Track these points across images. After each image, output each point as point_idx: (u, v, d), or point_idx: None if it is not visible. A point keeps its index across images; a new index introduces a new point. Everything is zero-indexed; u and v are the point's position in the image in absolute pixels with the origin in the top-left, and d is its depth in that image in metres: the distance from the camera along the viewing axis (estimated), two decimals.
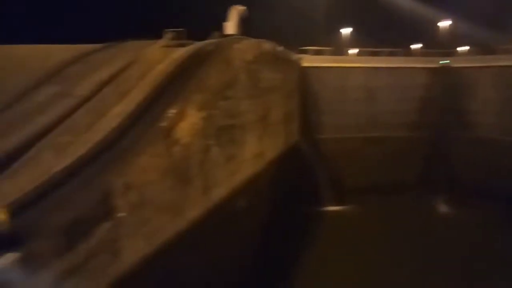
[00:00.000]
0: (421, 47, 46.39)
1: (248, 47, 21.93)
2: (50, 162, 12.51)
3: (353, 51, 44.88)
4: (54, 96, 16.48)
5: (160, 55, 18.96)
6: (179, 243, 13.24)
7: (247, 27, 28.69)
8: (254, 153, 21.71)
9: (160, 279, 11.91)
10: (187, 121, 14.51)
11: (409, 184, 34.93)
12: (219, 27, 27.20)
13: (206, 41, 22.44)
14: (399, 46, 40.01)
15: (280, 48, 29.23)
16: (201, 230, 14.51)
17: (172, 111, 14.12)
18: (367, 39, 40.70)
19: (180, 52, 19.62)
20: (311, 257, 23.10)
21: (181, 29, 21.60)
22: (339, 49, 41.24)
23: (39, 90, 17.02)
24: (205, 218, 14.98)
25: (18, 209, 9.86)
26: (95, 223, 10.28)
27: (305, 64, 35.02)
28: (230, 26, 27.81)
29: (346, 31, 45.57)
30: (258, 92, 22.68)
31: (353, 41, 44.15)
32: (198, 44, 21.40)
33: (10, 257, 8.03)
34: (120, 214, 11.15)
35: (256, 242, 20.55)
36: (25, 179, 11.83)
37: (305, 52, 36.60)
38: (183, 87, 15.77)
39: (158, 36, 21.88)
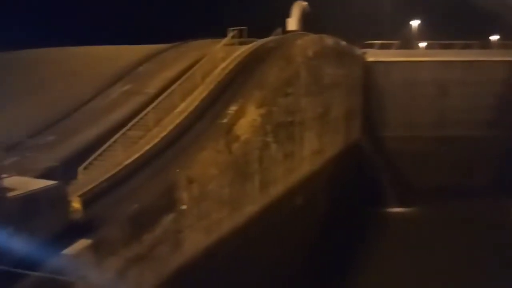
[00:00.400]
0: (498, 39, 42.47)
1: (310, 43, 21.72)
2: (121, 155, 13.49)
3: (422, 44, 42.39)
4: (126, 93, 17.68)
5: (223, 54, 19.48)
6: (237, 237, 13.63)
7: (310, 22, 28.35)
8: (313, 150, 21.53)
9: (217, 271, 12.35)
10: (247, 118, 14.81)
11: (481, 187, 32.21)
12: (282, 23, 27.21)
13: (268, 38, 22.59)
14: (474, 38, 36.98)
15: (343, 43, 28.53)
16: (258, 226, 14.79)
17: (232, 108, 14.50)
18: (438, 31, 38.15)
19: (241, 50, 20.00)
20: (368, 260, 22.32)
21: (243, 27, 21.97)
22: (407, 42, 39.12)
23: (113, 88, 18.36)
24: (262, 214, 15.24)
25: (91, 198, 10.73)
26: (159, 214, 10.95)
27: (370, 58, 33.78)
28: (293, 22, 27.68)
29: (414, 23, 43.14)
30: (319, 88, 22.40)
31: (422, 34, 41.67)
32: (259, 42, 21.63)
33: (82, 243, 8.84)
34: (182, 207, 11.75)
35: (312, 240, 20.42)
36: (99, 170, 12.88)
37: (370, 46, 35.27)
38: (243, 84, 16.10)
39: (224, 34, 22.48)
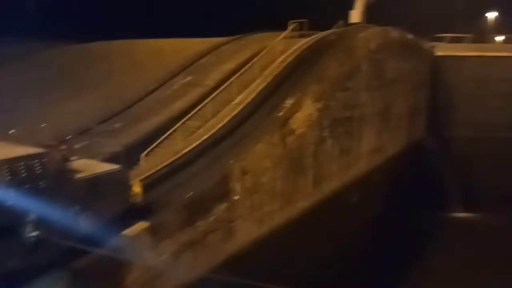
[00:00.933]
0: None
1: (373, 36, 20.90)
2: (180, 144, 14.03)
3: (499, 38, 38.90)
4: (187, 85, 18.30)
5: (283, 47, 19.39)
6: (288, 230, 13.59)
7: (374, 14, 27.24)
8: (372, 147, 20.79)
9: (266, 263, 12.43)
10: (303, 112, 14.65)
11: None
12: (345, 16, 26.45)
13: (328, 31, 22.10)
14: None
15: (410, 36, 27.09)
16: (309, 221, 14.63)
17: (289, 101, 14.42)
18: None
19: (300, 43, 19.76)
20: (425, 266, 21.09)
21: (303, 20, 21.68)
22: (482, 36, 36.14)
23: (175, 79, 19.09)
24: (314, 210, 15.05)
25: (151, 184, 11.27)
26: (213, 203, 11.24)
27: (439, 53, 31.75)
28: (356, 14, 26.77)
29: (491, 15, 39.66)
30: (381, 83, 21.52)
31: (499, 27, 38.22)
32: (320, 35, 21.22)
33: (140, 226, 9.33)
34: (235, 197, 11.96)
35: (366, 241, 19.80)
36: (159, 157, 13.50)
37: (440, 39, 33.13)
38: (301, 78, 15.93)
39: (284, 27, 22.38)
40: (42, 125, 11.12)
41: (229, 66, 18.99)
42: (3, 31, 25.87)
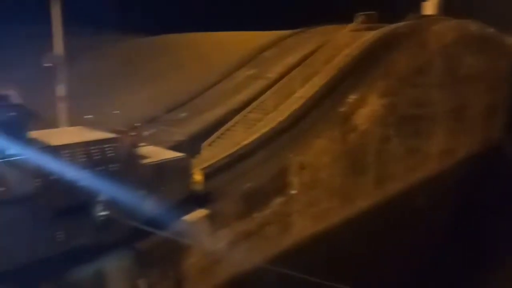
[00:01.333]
0: None
1: (448, 29, 19.46)
2: (240, 136, 14.22)
3: None
4: (249, 78, 18.45)
5: (348, 40, 18.77)
6: (346, 230, 13.22)
7: (451, 6, 25.35)
8: (442, 148, 19.45)
9: (322, 259, 12.21)
10: (367, 108, 14.10)
11: None
12: (417, 7, 24.92)
13: (398, 24, 20.93)
14: None
15: (490, 30, 24.81)
16: (370, 221, 14.08)
17: (352, 97, 13.95)
18: None
19: (367, 37, 18.96)
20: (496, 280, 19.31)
21: (372, 12, 20.76)
22: None
23: (238, 72, 19.34)
24: (375, 210, 14.45)
25: (211, 173, 11.54)
26: (270, 196, 11.27)
27: None
28: (430, 6, 25.06)
29: None
30: (455, 79, 19.99)
31: None
32: (388, 27, 20.17)
33: (200, 213, 9.62)
34: (292, 191, 11.88)
35: (432, 248, 18.62)
36: (220, 147, 13.81)
37: None
38: (367, 72, 15.29)
39: (351, 20, 21.64)
40: (114, 112, 11.84)
41: (291, 59, 18.80)
42: (80, 22, 27.76)
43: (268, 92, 16.22)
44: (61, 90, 11.59)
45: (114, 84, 21.80)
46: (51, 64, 10.98)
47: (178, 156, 10.03)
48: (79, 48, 26.47)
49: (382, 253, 14.90)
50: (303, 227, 11.96)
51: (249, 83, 18.09)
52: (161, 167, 9.41)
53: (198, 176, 10.58)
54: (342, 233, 12.92)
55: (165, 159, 9.70)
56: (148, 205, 8.85)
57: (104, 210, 7.85)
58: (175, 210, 9.34)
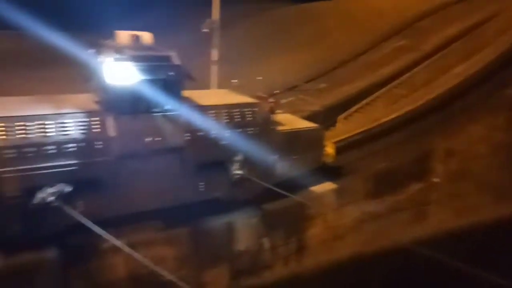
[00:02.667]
0: None
1: None
2: (380, 112, 13.30)
3: None
4: (399, 49, 16.93)
5: None
6: (497, 229, 11.43)
7: None
8: None
9: (461, 259, 10.89)
10: None
11: None
12: None
13: None
14: None
15: None
16: None
17: None
18: None
19: None
20: None
21: None
22: None
23: (387, 42, 17.91)
24: None
25: (344, 147, 11.10)
26: (407, 180, 10.40)
27: None
28: None
29: None
30: None
31: None
32: None
33: (328, 186, 9.47)
34: (435, 179, 10.74)
35: None
36: (356, 122, 13.18)
37: None
38: None
39: None
40: (258, 78, 12.27)
41: (453, 30, 16.44)
42: None
43: (419, 66, 14.62)
44: (214, 54, 12.46)
45: (261, 52, 22.60)
46: (207, 30, 11.81)
47: (312, 127, 10.01)
48: (234, 16, 28.22)
49: None
50: (442, 220, 10.77)
51: (398, 55, 16.61)
52: (295, 135, 9.50)
53: (330, 149, 10.42)
54: (493, 233, 11.17)
55: (299, 128, 9.77)
56: (279, 170, 9.06)
57: (239, 169, 8.27)
58: (305, 179, 9.38)
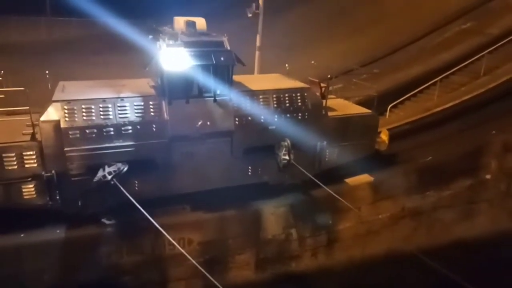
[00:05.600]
0: None
1: None
2: (434, 100, 12.55)
3: None
4: (463, 32, 15.66)
5: None
6: None
7: None
8: None
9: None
10: None
11: None
12: None
13: None
14: None
15: None
16: None
17: None
18: None
19: None
20: None
21: None
22: None
23: (451, 25, 16.59)
24: None
25: (396, 135, 10.63)
26: (455, 175, 9.80)
27: None
28: None
29: None
30: None
31: None
32: None
33: (365, 178, 9.15)
34: (487, 176, 10.02)
35: None
36: (408, 110, 12.56)
37: None
38: None
39: None
40: (311, 62, 11.97)
41: None
42: None
43: (485, 52, 13.40)
44: (258, 40, 12.42)
45: (318, 35, 22.00)
46: (251, 15, 11.74)
47: (366, 112, 9.67)
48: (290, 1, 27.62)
49: None
50: (492, 221, 10.05)
51: (461, 39, 15.37)
52: (347, 121, 9.26)
53: (384, 136, 9.97)
54: None
55: (352, 113, 9.47)
56: (328, 156, 8.97)
57: (287, 154, 8.18)
58: (356, 165, 9.16)
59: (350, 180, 9.17)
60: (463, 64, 13.66)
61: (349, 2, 25.41)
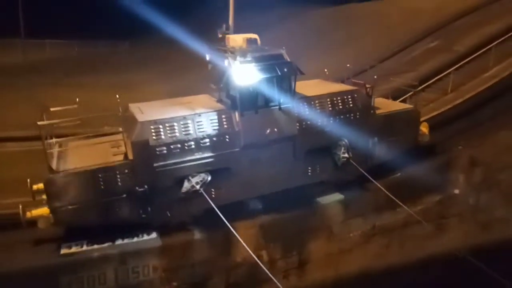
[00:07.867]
0: None
1: None
2: None
3: None
4: (429, 51, 16.03)
5: None
6: None
7: None
8: None
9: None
10: None
11: None
12: None
13: None
14: None
15: None
16: None
17: None
18: None
19: None
20: None
21: None
22: None
23: (419, 44, 16.98)
24: None
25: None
26: (423, 192, 9.73)
27: None
28: None
29: None
30: None
31: None
32: None
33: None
34: (455, 190, 10.05)
35: None
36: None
37: None
38: None
39: None
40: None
41: (491, 29, 15.26)
42: None
43: (451, 69, 13.71)
44: None
45: (304, 51, 22.10)
46: (221, 36, 11.78)
47: (408, 108, 10.36)
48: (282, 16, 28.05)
49: None
50: (461, 235, 9.99)
51: (429, 57, 15.70)
52: (393, 117, 9.81)
53: (424, 128, 10.47)
54: None
55: (397, 110, 10.09)
56: (378, 152, 9.50)
57: (344, 153, 8.86)
58: (403, 159, 9.51)
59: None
60: (431, 81, 13.92)
61: (328, 21, 25.75)
